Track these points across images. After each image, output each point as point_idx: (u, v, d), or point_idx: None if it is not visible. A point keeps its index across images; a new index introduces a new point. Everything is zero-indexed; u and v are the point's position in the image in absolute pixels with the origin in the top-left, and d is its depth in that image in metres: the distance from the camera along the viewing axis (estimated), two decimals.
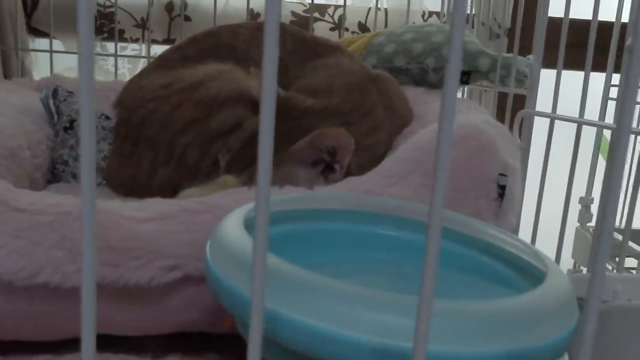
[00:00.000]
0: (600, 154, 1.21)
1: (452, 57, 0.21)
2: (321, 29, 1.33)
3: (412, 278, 0.47)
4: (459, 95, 1.12)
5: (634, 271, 1.17)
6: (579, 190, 1.18)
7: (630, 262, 1.17)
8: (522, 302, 0.33)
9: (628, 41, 0.74)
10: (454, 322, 0.30)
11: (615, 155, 0.23)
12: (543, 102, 0.82)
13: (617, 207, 0.24)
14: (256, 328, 0.23)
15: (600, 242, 0.25)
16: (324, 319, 0.30)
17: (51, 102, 0.88)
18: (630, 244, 1.13)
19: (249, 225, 0.40)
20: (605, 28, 0.77)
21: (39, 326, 0.52)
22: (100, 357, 0.55)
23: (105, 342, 0.58)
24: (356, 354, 0.28)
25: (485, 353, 0.29)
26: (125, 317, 0.53)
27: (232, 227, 0.40)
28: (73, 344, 0.56)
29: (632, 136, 1.11)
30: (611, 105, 1.11)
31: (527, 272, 0.45)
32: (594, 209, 1.25)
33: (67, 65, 1.30)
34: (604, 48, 0.83)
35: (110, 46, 1.30)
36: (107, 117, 0.89)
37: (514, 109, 0.87)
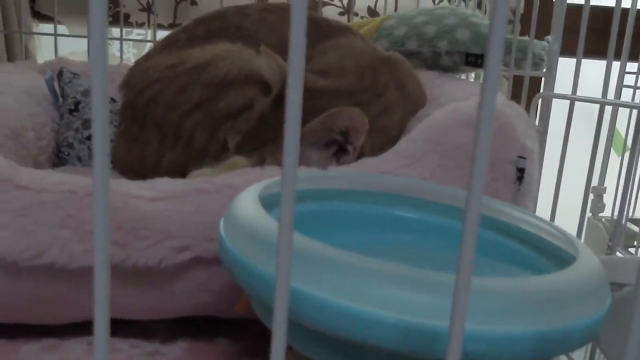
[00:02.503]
0: (613, 148, 1.18)
1: (493, 37, 0.19)
2: (330, 14, 1.30)
3: (434, 260, 0.46)
4: (471, 79, 1.10)
5: None
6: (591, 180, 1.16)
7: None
8: (553, 281, 0.31)
9: None
10: (484, 301, 0.28)
11: None
12: (560, 89, 0.80)
13: None
14: (281, 309, 0.22)
15: None
16: (350, 297, 0.28)
17: (56, 84, 0.86)
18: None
19: (265, 203, 0.38)
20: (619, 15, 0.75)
21: (45, 309, 0.50)
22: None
23: (113, 326, 0.56)
24: (384, 334, 0.27)
25: (516, 333, 0.28)
26: (135, 300, 0.51)
27: (248, 205, 0.38)
28: (78, 328, 0.55)
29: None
30: (626, 93, 1.09)
31: (556, 256, 0.43)
32: (607, 198, 1.23)
33: (71, 49, 1.29)
34: (618, 36, 0.81)
35: (115, 30, 1.28)
36: (113, 100, 0.87)
37: (530, 93, 0.85)
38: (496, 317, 0.28)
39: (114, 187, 0.50)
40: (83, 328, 0.53)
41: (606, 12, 0.66)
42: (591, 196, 1.24)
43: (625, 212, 0.76)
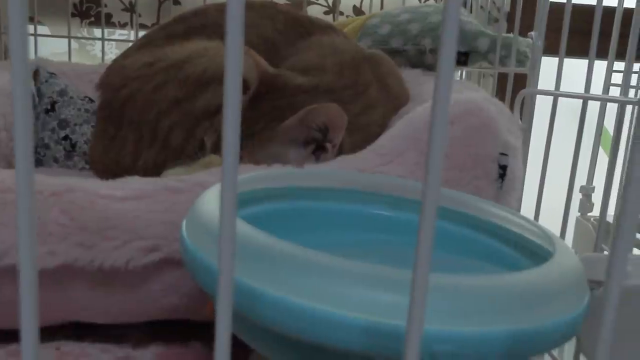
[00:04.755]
0: (601, 147, 1.17)
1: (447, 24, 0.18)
2: (315, 13, 1.29)
3: (408, 260, 0.44)
4: (457, 77, 1.09)
5: None
6: (579, 179, 1.15)
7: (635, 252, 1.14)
8: (527, 279, 0.30)
9: None
10: (451, 299, 0.27)
11: None
12: (544, 87, 0.79)
13: None
14: (225, 307, 0.20)
15: (624, 217, 0.21)
16: (309, 297, 0.26)
17: (32, 83, 0.84)
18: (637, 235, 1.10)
19: None
20: (605, 14, 0.75)
21: (9, 314, 0.49)
22: (78, 346, 0.52)
23: (83, 331, 0.55)
24: (345, 335, 0.25)
25: (485, 332, 0.26)
26: (104, 304, 0.49)
27: (211, 205, 0.36)
28: (45, 332, 0.53)
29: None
30: (613, 91, 1.08)
31: (534, 253, 0.41)
32: (595, 198, 1.22)
33: (52, 50, 1.27)
34: (604, 34, 0.80)
35: (97, 31, 1.26)
36: (91, 100, 0.85)
37: (514, 90, 0.84)
38: (464, 316, 0.26)
39: (81, 186, 0.48)
40: (51, 332, 0.52)
41: (594, 11, 0.66)
42: (580, 196, 1.23)
43: (607, 210, 0.75)
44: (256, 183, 0.43)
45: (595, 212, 1.26)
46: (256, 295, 0.27)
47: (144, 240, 0.46)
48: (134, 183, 0.51)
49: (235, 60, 0.18)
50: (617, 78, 1.10)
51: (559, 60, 0.67)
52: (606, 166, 1.22)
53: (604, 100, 0.72)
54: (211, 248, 0.32)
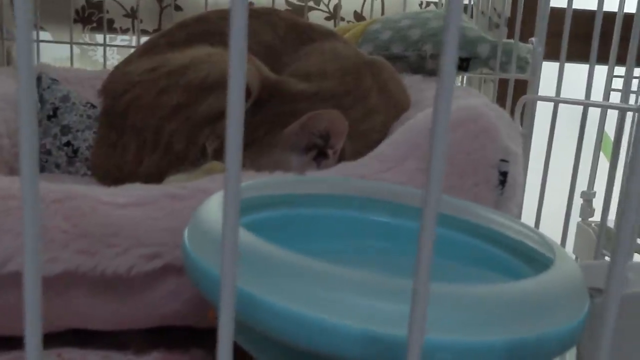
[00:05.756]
0: (602, 152, 1.17)
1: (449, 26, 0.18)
2: (316, 18, 1.29)
3: (407, 268, 0.44)
4: (458, 83, 1.09)
5: None
6: (580, 184, 1.15)
7: (636, 258, 1.14)
8: (526, 288, 0.30)
9: None
10: (451, 308, 0.27)
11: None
12: (543, 94, 0.79)
13: None
14: (227, 316, 0.20)
15: (622, 226, 0.21)
16: (308, 305, 0.26)
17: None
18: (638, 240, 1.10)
19: None
20: (606, 19, 0.75)
21: (12, 321, 0.49)
22: (80, 353, 0.52)
23: (84, 337, 0.55)
24: (343, 343, 0.25)
25: (485, 342, 0.26)
26: (105, 311, 0.49)
27: (213, 212, 0.36)
28: (48, 339, 0.53)
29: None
30: (614, 97, 1.08)
31: (534, 260, 0.42)
32: (596, 203, 1.21)
33: (54, 56, 1.27)
34: (605, 39, 0.80)
35: (99, 37, 1.26)
36: (93, 106, 0.86)
37: (515, 96, 0.84)
38: (464, 325, 0.26)
39: (82, 192, 0.48)
40: (53, 339, 0.52)
41: (594, 16, 0.66)
42: (581, 201, 1.22)
43: (608, 215, 0.75)
44: (255, 190, 0.43)
45: (597, 217, 1.26)
46: (255, 303, 0.27)
47: (145, 247, 0.46)
48: (135, 190, 0.51)
49: (238, 69, 0.19)
50: (618, 83, 1.10)
51: (560, 65, 0.67)
52: (607, 171, 1.22)
53: (604, 107, 0.72)
54: (213, 256, 0.32)
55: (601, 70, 0.95)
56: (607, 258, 1.16)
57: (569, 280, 0.33)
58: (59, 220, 0.46)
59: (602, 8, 0.64)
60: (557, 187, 0.81)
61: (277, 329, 0.27)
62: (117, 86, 0.77)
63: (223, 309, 0.20)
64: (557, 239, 0.76)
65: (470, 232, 0.46)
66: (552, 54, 0.81)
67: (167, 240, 0.47)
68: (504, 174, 0.58)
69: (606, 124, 1.10)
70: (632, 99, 1.19)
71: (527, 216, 0.80)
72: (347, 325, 0.26)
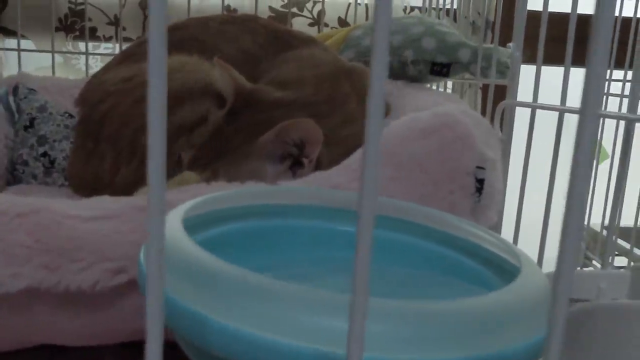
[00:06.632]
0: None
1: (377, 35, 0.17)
2: (300, 25, 1.29)
3: (383, 277, 0.44)
4: (441, 89, 1.08)
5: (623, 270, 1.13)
6: (564, 186, 1.14)
7: (621, 260, 1.14)
8: (487, 302, 0.29)
9: None
10: (408, 326, 0.26)
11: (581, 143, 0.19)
12: (524, 97, 0.79)
13: (585, 198, 0.21)
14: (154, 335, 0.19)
15: (568, 228, 0.21)
16: (258, 325, 0.26)
17: (11, 99, 0.84)
18: (620, 241, 1.10)
19: (189, 225, 0.36)
20: (585, 21, 0.74)
21: None
22: None
23: (57, 353, 0.54)
24: None
25: None
26: (72, 326, 0.48)
27: (170, 228, 0.35)
28: (18, 356, 0.52)
29: (614, 123, 1.07)
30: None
31: (505, 270, 0.41)
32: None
33: (38, 65, 1.26)
34: (583, 42, 0.80)
35: (82, 45, 1.26)
36: (71, 116, 0.85)
37: (496, 101, 0.84)
38: (418, 343, 0.26)
39: (48, 206, 0.47)
40: (25, 356, 0.51)
41: (580, 18, 0.65)
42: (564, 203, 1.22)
43: (592, 219, 0.74)
44: (222, 202, 0.43)
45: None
46: (202, 322, 0.26)
47: (110, 262, 0.45)
48: (103, 202, 0.50)
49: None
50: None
51: (537, 70, 0.67)
52: (597, 175, 1.22)
53: (580, 114, 0.72)
54: (167, 277, 0.31)
55: (579, 73, 0.94)
56: (594, 262, 1.16)
57: (534, 291, 0.32)
58: (21, 235, 0.45)
59: (576, 10, 0.63)
60: (540, 191, 0.80)
61: (224, 348, 0.26)
62: (94, 95, 0.76)
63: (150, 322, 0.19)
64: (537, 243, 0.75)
65: (441, 241, 0.45)
66: (533, 57, 0.80)
67: (132, 254, 0.46)
68: (480, 181, 0.58)
69: None
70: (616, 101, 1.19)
71: (509, 221, 0.80)
72: (298, 346, 0.25)
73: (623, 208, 0.98)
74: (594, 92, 0.20)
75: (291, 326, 0.25)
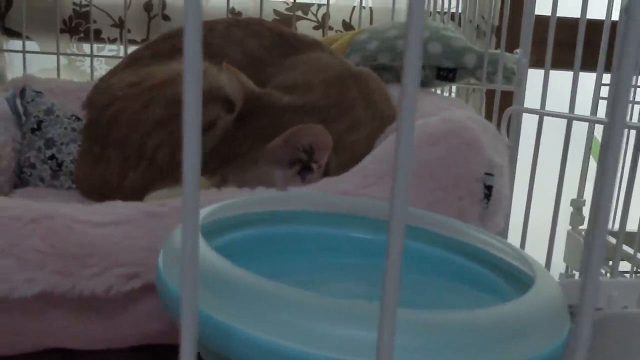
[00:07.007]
0: (591, 155, 1.17)
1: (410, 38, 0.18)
2: (304, 28, 1.29)
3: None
4: (445, 93, 1.09)
5: (627, 275, 1.14)
6: (570, 192, 1.14)
7: (624, 265, 1.14)
8: (504, 312, 0.29)
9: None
10: (424, 336, 0.26)
11: (608, 152, 0.19)
12: (531, 102, 0.79)
13: (609, 208, 0.21)
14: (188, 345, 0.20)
15: (593, 245, 0.21)
16: (276, 332, 0.26)
17: (18, 102, 0.84)
18: (624, 247, 1.10)
19: (207, 231, 0.36)
20: (593, 26, 0.75)
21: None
22: None
23: (68, 357, 0.54)
24: None
25: None
26: (85, 331, 0.49)
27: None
28: (29, 358, 0.52)
29: (625, 132, 1.08)
30: (602, 105, 1.08)
31: (515, 277, 0.41)
32: (586, 211, 1.21)
33: (42, 66, 1.26)
34: (593, 47, 0.80)
35: (87, 46, 1.26)
36: (78, 118, 0.85)
37: (502, 107, 0.84)
38: (437, 353, 0.26)
39: (59, 211, 0.48)
40: (36, 359, 0.51)
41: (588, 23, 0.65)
42: (571, 209, 1.22)
43: (603, 223, 0.74)
44: (235, 209, 0.43)
45: (587, 225, 1.26)
46: (224, 331, 0.27)
47: (123, 267, 0.46)
48: (114, 207, 0.50)
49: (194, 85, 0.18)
50: (604, 91, 1.10)
51: (545, 76, 0.67)
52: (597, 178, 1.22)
53: (590, 122, 0.72)
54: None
55: (588, 77, 0.95)
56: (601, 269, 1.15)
57: (549, 301, 0.33)
58: (35, 240, 0.45)
59: (585, 15, 0.64)
60: (547, 196, 0.81)
61: (246, 356, 0.26)
62: (101, 99, 0.77)
63: (184, 335, 0.19)
64: (546, 248, 0.75)
65: (453, 249, 0.45)
66: (539, 62, 0.81)
67: (145, 259, 0.46)
68: (489, 188, 0.58)
69: (596, 128, 1.10)
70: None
71: (516, 226, 0.80)
72: (314, 353, 0.25)
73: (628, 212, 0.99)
74: (622, 103, 0.20)
75: (309, 334, 0.26)
